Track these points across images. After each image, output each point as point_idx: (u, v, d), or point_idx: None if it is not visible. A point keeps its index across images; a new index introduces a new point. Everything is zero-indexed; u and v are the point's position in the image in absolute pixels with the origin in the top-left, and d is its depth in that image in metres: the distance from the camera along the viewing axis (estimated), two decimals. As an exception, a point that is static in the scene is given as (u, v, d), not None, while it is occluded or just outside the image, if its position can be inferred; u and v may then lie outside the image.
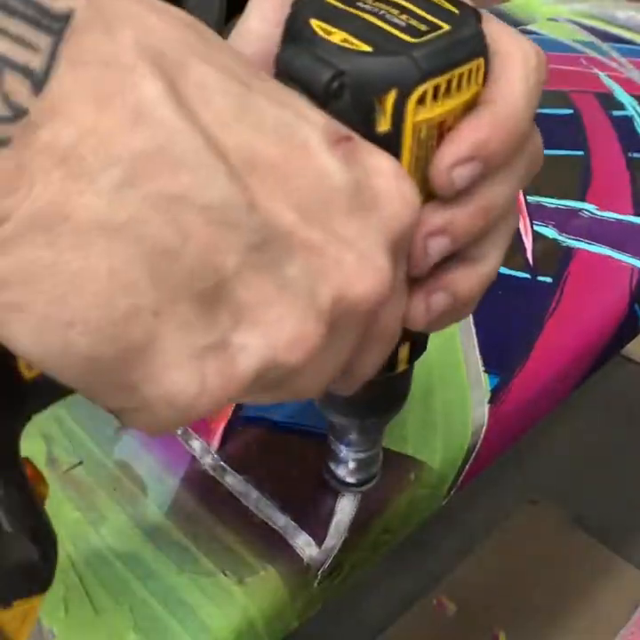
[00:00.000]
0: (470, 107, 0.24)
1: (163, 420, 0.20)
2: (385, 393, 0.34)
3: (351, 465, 0.39)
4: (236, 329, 0.19)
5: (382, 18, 0.23)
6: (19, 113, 0.16)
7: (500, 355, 0.47)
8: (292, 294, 0.19)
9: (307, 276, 0.20)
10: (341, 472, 0.39)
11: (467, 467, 0.43)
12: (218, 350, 0.19)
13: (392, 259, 0.21)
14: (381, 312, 0.23)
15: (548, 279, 0.52)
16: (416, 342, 0.31)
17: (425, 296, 0.25)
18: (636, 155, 0.66)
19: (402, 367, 0.31)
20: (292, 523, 0.38)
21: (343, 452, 0.38)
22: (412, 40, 0.22)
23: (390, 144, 0.22)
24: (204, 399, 0.19)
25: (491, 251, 0.26)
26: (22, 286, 0.17)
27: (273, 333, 0.19)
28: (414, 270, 0.24)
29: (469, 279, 0.26)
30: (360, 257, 0.20)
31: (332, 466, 0.39)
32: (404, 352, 0.31)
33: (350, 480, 0.39)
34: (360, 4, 0.23)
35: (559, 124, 0.72)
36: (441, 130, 0.23)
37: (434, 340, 0.47)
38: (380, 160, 0.21)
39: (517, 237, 0.57)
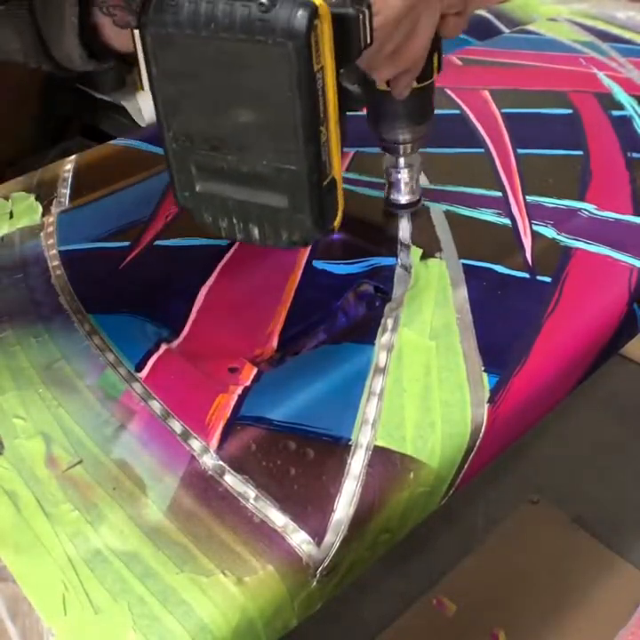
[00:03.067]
0: None
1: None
2: (424, 100, 0.53)
3: (407, 186, 0.58)
4: None
5: None
6: None
7: (500, 354, 0.47)
8: None
9: None
10: (399, 197, 0.59)
11: (466, 466, 0.43)
12: None
13: None
14: None
15: (548, 279, 0.52)
16: (440, 54, 0.51)
17: None
18: (635, 155, 0.66)
19: (434, 75, 0.52)
20: (291, 522, 0.38)
21: (398, 176, 0.57)
22: None
23: None
24: None
25: None
26: None
27: None
28: None
29: None
30: None
31: (394, 196, 0.59)
32: (436, 61, 0.51)
33: (404, 201, 0.59)
34: None
35: (559, 124, 0.72)
36: None
37: (434, 340, 0.47)
38: None
39: (516, 237, 0.57)
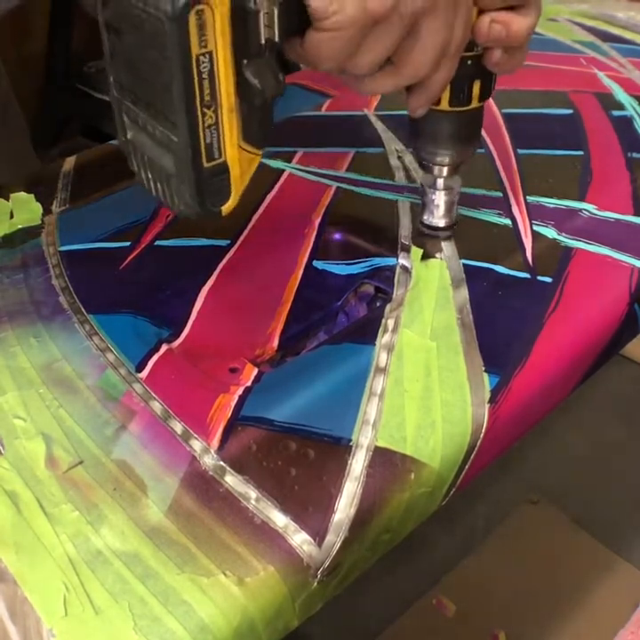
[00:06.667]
0: None
1: (348, 17, 0.37)
2: (464, 125, 0.50)
3: (441, 209, 0.55)
4: None
5: None
6: None
7: (501, 355, 0.47)
8: None
9: None
10: (434, 219, 0.56)
11: (466, 467, 0.43)
12: None
13: None
14: (460, 6, 0.40)
15: (548, 279, 0.52)
16: (484, 83, 0.48)
17: (489, 19, 0.43)
18: (635, 155, 0.66)
19: (475, 103, 0.49)
20: (292, 522, 0.38)
21: (435, 197, 0.55)
22: None
23: None
24: (373, 1, 0.37)
25: (531, 12, 0.44)
26: None
27: None
28: (480, 3, 0.43)
29: (519, 22, 0.44)
30: None
31: (427, 217, 0.56)
32: (476, 88, 0.48)
33: (442, 224, 0.56)
34: None
35: (559, 124, 0.72)
36: None
37: (435, 340, 0.47)
38: None
39: (517, 237, 0.57)
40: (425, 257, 0.54)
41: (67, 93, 1.61)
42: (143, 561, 0.36)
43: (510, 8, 0.44)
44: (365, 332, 0.49)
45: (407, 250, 0.55)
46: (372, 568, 0.42)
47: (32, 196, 0.63)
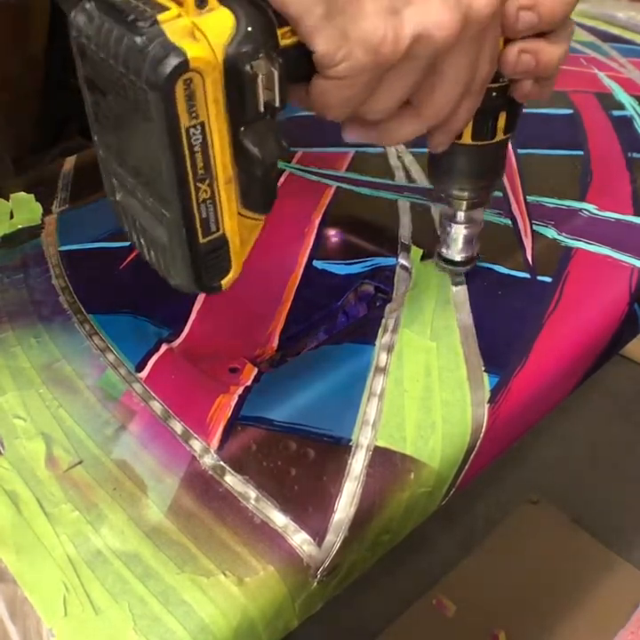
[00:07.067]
0: None
1: (358, 64, 0.32)
2: (488, 159, 0.46)
3: (460, 243, 0.50)
4: (406, 6, 0.33)
5: None
6: None
7: (500, 355, 0.47)
8: None
9: None
10: (451, 253, 0.51)
11: (466, 467, 0.43)
12: (395, 14, 0.32)
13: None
14: (485, 39, 0.36)
15: (548, 279, 0.52)
16: (510, 114, 0.43)
17: (517, 49, 0.39)
18: (635, 155, 0.66)
19: (500, 136, 0.44)
20: (292, 522, 0.38)
21: (453, 230, 0.50)
22: None
23: None
24: (385, 46, 0.32)
25: (563, 39, 0.40)
26: None
27: (427, 15, 0.33)
28: (506, 32, 0.38)
29: (549, 52, 0.39)
30: None
31: (444, 250, 0.51)
32: (502, 121, 0.44)
33: (459, 258, 0.51)
34: None
35: (559, 124, 0.72)
36: None
37: (435, 340, 0.47)
38: None
39: (517, 237, 0.57)
40: (425, 257, 0.54)
41: (66, 93, 1.61)
42: (143, 561, 0.36)
43: (539, 35, 0.39)
44: (365, 331, 0.49)
45: (407, 250, 0.55)
46: (372, 568, 0.42)
47: (32, 196, 0.63)
